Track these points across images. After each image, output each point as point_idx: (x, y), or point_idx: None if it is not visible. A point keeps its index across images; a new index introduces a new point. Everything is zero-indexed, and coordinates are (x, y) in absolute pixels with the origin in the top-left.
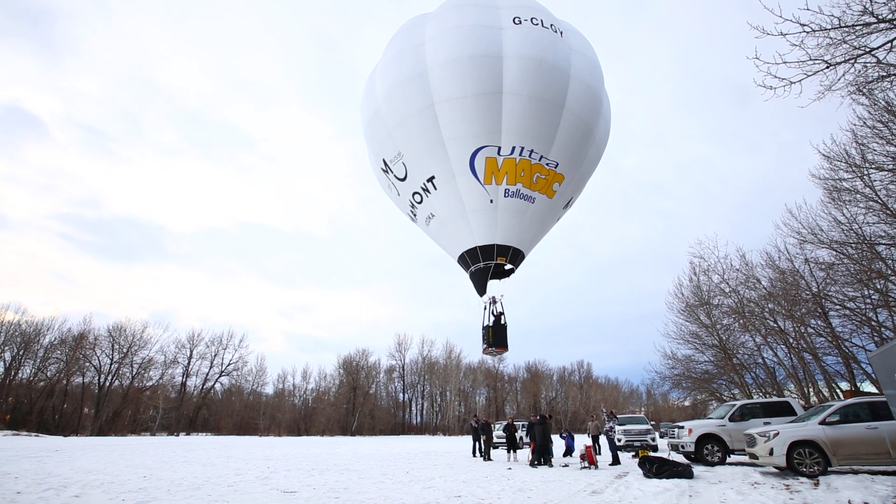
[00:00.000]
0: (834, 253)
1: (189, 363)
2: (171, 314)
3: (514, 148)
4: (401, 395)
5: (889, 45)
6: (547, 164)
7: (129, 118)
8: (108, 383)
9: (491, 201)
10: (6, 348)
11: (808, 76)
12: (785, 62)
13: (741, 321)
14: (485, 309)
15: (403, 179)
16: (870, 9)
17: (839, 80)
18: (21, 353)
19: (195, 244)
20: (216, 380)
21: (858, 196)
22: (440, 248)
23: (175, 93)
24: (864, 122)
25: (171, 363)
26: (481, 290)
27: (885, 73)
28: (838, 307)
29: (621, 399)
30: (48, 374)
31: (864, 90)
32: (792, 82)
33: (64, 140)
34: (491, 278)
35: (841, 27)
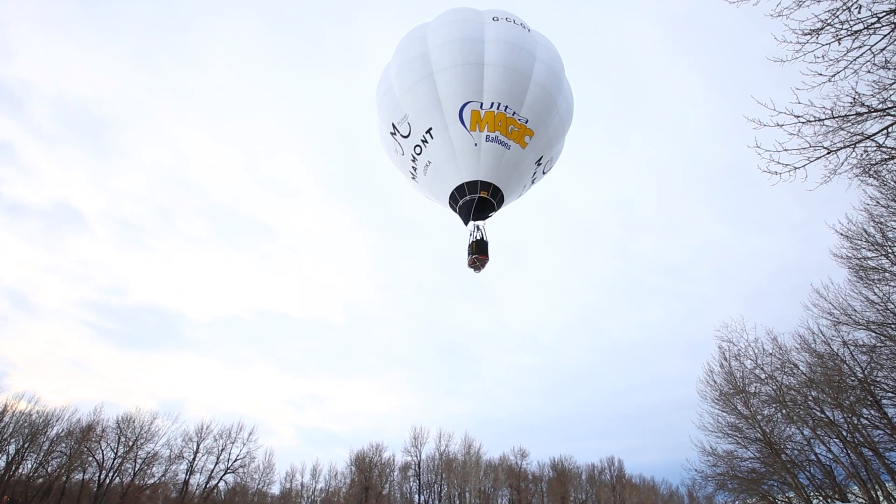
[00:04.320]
0: (874, 334)
1: (195, 458)
2: (181, 404)
3: (493, 103)
4: (416, 495)
5: (885, 131)
6: (519, 119)
7: (164, 212)
8: (108, 480)
9: (475, 144)
10: (12, 440)
11: (811, 161)
12: (786, 150)
13: (784, 411)
14: (470, 235)
15: (407, 136)
16: (859, 100)
17: (842, 164)
18: (26, 445)
19: (212, 332)
20: (220, 477)
21: (887, 275)
22: (435, 199)
23: (206, 188)
24: (878, 202)
25: (176, 458)
26: (466, 219)
27: (888, 157)
28: (891, 395)
29: (660, 502)
30: (49, 469)
31: (871, 172)
32: (795, 168)
33: (102, 233)
34: (475, 219)
35: (834, 117)
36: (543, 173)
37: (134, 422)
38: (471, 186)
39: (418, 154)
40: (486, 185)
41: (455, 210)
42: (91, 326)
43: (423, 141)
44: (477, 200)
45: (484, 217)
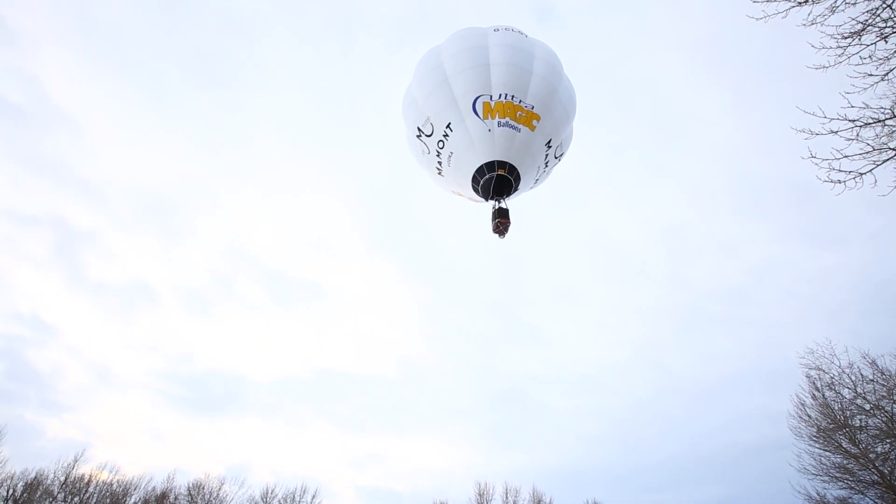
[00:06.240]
0: None
1: None
2: (246, 467)
3: (501, 94)
4: None
5: None
6: (525, 106)
7: (224, 281)
8: None
9: (489, 130)
10: None
11: (878, 165)
12: (846, 156)
13: None
14: (493, 208)
15: (431, 135)
16: None
17: None
18: None
19: (272, 393)
20: None
21: None
22: (460, 187)
23: (260, 255)
24: None
25: None
26: (488, 196)
27: None
28: None
29: None
30: None
31: None
32: (861, 174)
33: (171, 304)
34: (493, 197)
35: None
36: (556, 157)
37: (203, 488)
38: (489, 166)
39: (441, 148)
40: (502, 164)
41: (478, 191)
42: (163, 395)
43: (444, 136)
44: (496, 178)
45: (503, 195)
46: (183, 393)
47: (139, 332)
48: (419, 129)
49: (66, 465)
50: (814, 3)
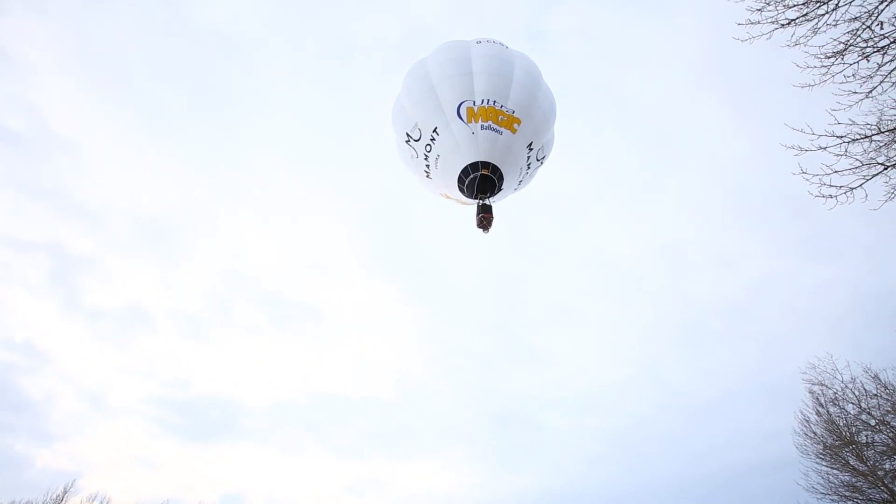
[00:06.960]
0: None
1: None
2: (241, 496)
3: (483, 100)
4: None
5: None
6: (506, 110)
7: (222, 304)
8: None
9: (473, 133)
10: None
11: (868, 179)
12: (836, 171)
13: None
14: (478, 205)
15: (419, 140)
16: None
17: None
18: None
19: (269, 418)
20: None
21: None
22: (447, 188)
23: (259, 279)
24: None
25: None
26: (472, 195)
27: None
28: None
29: None
30: None
31: None
32: (852, 188)
33: (168, 329)
34: (478, 195)
35: (882, 132)
36: (538, 160)
37: None
38: (473, 167)
39: (429, 151)
40: (486, 165)
41: (463, 191)
42: (158, 422)
43: (431, 139)
44: (480, 177)
45: (489, 194)
46: (178, 420)
47: (134, 358)
48: (408, 135)
49: (54, 496)
50: (796, 25)
